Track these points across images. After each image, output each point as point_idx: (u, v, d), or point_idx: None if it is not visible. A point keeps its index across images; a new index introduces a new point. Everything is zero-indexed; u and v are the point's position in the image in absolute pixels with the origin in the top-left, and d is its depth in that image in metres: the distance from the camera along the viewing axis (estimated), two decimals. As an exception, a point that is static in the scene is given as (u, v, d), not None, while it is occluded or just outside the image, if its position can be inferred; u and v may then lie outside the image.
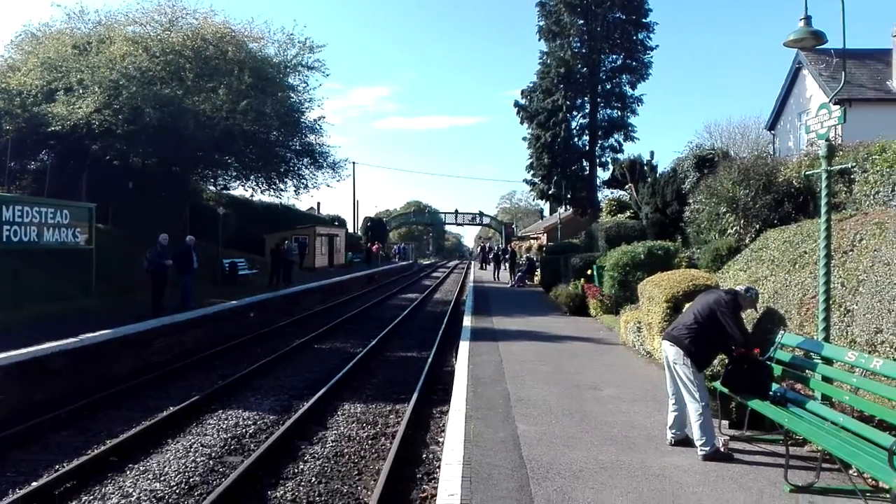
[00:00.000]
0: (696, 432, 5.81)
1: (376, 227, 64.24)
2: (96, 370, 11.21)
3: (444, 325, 17.83)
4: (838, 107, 6.62)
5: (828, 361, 5.74)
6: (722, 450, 5.77)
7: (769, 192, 13.71)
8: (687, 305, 6.35)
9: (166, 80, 21.19)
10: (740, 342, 5.90)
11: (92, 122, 19.98)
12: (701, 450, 5.74)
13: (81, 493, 6.44)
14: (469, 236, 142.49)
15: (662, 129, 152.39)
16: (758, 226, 13.37)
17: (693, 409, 5.82)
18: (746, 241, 13.22)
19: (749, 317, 8.91)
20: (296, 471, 7.17)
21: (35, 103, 20.99)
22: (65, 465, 7.10)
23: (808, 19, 7.17)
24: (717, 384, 6.16)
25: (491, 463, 5.67)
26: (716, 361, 6.40)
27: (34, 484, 6.50)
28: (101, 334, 11.72)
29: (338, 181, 33.25)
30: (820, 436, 4.88)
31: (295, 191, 29.67)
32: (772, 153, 22.72)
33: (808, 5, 7.15)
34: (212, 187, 32.50)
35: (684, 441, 6.10)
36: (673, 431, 6.19)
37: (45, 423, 8.56)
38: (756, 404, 5.71)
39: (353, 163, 55.17)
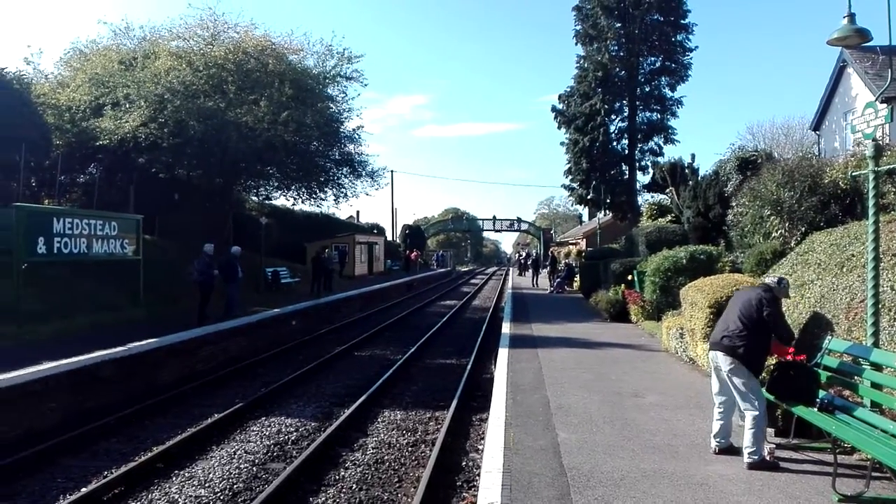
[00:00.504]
0: (746, 440, 5.66)
1: (415, 234, 64.59)
2: (144, 378, 11.51)
3: (482, 332, 17.82)
4: (885, 105, 6.45)
5: (877, 367, 5.58)
6: (768, 458, 5.65)
7: (815, 193, 13.38)
8: (727, 309, 6.19)
9: (209, 94, 21.70)
10: (790, 337, 5.96)
11: (138, 135, 20.56)
12: (749, 458, 5.61)
13: (129, 498, 6.62)
14: (507, 242, 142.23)
15: (703, 132, 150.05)
16: (803, 228, 13.05)
17: (750, 417, 5.67)
18: (792, 244, 12.91)
19: (796, 321, 8.75)
20: (337, 477, 7.25)
21: (83, 118, 21.70)
22: (113, 471, 7.29)
23: (851, 17, 7.00)
24: (763, 391, 6.02)
25: (531, 471, 5.65)
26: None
27: (83, 490, 6.69)
28: (148, 343, 12.04)
29: (376, 189, 33.54)
30: (869, 444, 4.75)
31: (335, 200, 30.05)
32: (817, 154, 22.14)
33: (851, 2, 6.98)
34: (254, 197, 33.11)
35: (729, 450, 5.99)
36: (718, 440, 6.07)
37: (94, 430, 8.81)
38: (802, 411, 5.59)
39: (392, 171, 55.90)
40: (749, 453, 5.63)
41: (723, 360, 5.92)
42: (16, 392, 8.77)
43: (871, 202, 6.15)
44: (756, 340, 5.81)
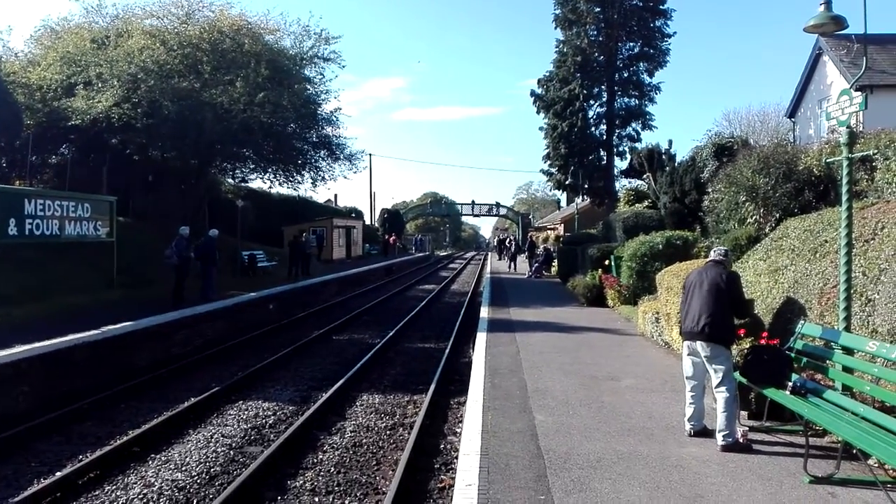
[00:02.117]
0: (720, 422, 5.77)
1: (393, 218, 64.37)
2: (119, 362, 11.38)
3: (461, 316, 17.86)
4: (860, 93, 6.51)
5: (848, 351, 5.69)
6: (741, 440, 5.75)
7: (789, 180, 13.53)
8: (691, 295, 6.23)
9: (184, 74, 21.34)
10: (746, 314, 6.43)
11: (111, 115, 20.17)
12: (723, 440, 5.71)
13: (105, 482, 6.56)
14: (486, 227, 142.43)
15: (681, 118, 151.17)
16: (778, 215, 13.21)
17: (722, 399, 5.79)
18: (766, 230, 13.07)
19: (770, 307, 8.87)
20: (315, 461, 7.25)
21: (55, 98, 21.23)
22: (88, 455, 7.23)
23: (828, 4, 7.04)
24: (737, 374, 6.11)
25: (508, 453, 5.69)
26: (735, 352, 6.36)
27: (58, 474, 6.62)
28: (123, 326, 11.89)
29: (354, 173, 33.37)
30: (840, 426, 4.85)
31: (312, 183, 29.77)
32: (792, 141, 22.40)
33: (828, -10, 7.02)
34: (230, 180, 32.72)
35: (703, 432, 6.08)
36: (692, 423, 6.17)
37: (68, 414, 8.72)
38: (775, 394, 5.69)
39: (370, 154, 55.49)
40: (723, 436, 5.73)
41: (703, 347, 5.99)
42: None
43: (844, 189, 6.23)
44: (729, 321, 6.04)
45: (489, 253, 66.06)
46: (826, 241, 8.79)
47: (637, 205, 27.80)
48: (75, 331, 10.98)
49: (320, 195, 52.74)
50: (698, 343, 6.03)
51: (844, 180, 6.24)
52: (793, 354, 6.04)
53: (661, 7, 37.03)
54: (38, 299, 13.65)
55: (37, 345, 9.83)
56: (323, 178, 29.41)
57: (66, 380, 10.07)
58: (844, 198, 6.21)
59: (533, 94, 39.90)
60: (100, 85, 20.47)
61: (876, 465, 4.99)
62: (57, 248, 15.81)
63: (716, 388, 5.90)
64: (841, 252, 6.15)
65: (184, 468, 6.91)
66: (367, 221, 58.28)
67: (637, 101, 38.76)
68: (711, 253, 6.61)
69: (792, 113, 26.89)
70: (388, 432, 8.32)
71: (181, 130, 21.44)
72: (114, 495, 6.23)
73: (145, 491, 6.30)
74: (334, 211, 48.25)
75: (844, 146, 6.24)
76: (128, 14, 23.77)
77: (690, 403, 6.19)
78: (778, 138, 22.50)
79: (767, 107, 56.84)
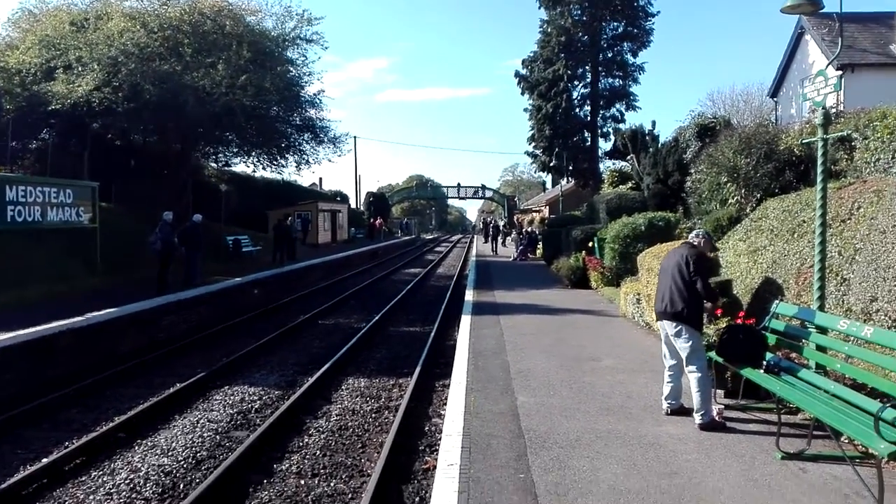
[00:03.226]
0: (695, 401, 5.89)
1: (378, 202, 64.17)
2: (103, 348, 11.37)
3: (446, 300, 17.95)
4: (838, 73, 6.60)
5: (822, 330, 5.82)
6: (717, 419, 5.89)
7: (770, 160, 13.66)
8: (661, 276, 6.37)
9: (165, 57, 21.05)
10: (714, 297, 6.32)
11: (92, 100, 19.90)
12: (699, 419, 5.84)
13: (91, 468, 6.60)
14: (472, 210, 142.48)
15: (665, 99, 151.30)
16: (759, 195, 13.35)
17: (694, 379, 5.89)
18: (748, 210, 13.20)
19: (749, 286, 9.01)
20: (301, 444, 7.33)
21: (35, 82, 20.89)
22: (74, 441, 7.25)
23: (805, -16, 7.09)
24: (713, 354, 6.23)
25: (490, 433, 5.79)
26: (711, 332, 6.48)
27: (44, 461, 6.65)
28: (108, 313, 11.86)
29: (339, 156, 33.14)
30: (811, 403, 4.97)
31: (296, 166, 29.59)
32: (774, 121, 22.55)
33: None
34: (213, 164, 32.46)
35: (680, 411, 6.21)
36: (669, 402, 6.29)
37: (53, 401, 8.72)
38: (749, 373, 5.81)
39: (355, 137, 55.23)
40: (700, 415, 5.85)
41: (669, 326, 6.14)
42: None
43: (819, 169, 6.34)
44: (692, 298, 6.00)
45: (475, 236, 66.14)
46: (804, 222, 8.92)
47: (621, 186, 27.92)
48: (59, 317, 10.94)
49: (305, 179, 52.74)
50: (665, 322, 6.16)
51: (819, 161, 6.35)
52: (768, 333, 6.15)
53: (644, -14, 36.95)
54: (20, 286, 13.55)
55: (20, 332, 9.80)
56: (307, 162, 29.27)
57: (50, 367, 10.07)
58: (819, 178, 6.32)
59: (517, 74, 39.80)
60: (80, 69, 20.16)
61: (846, 441, 5.13)
62: (38, 235, 15.67)
63: (686, 367, 6.03)
64: (816, 232, 6.27)
65: (170, 453, 6.96)
66: (353, 205, 58.13)
67: (621, 82, 38.78)
68: (690, 235, 6.70)
69: (774, 93, 27.05)
70: (373, 415, 8.40)
71: (163, 115, 21.23)
72: (100, 480, 6.27)
73: (132, 476, 6.35)
74: (319, 195, 48.05)
75: (820, 127, 6.34)
76: (108, -5, 23.37)
77: (668, 382, 6.31)
78: (760, 118, 22.67)
79: (751, 86, 57.23)
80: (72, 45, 20.62)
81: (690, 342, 5.99)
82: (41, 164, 23.17)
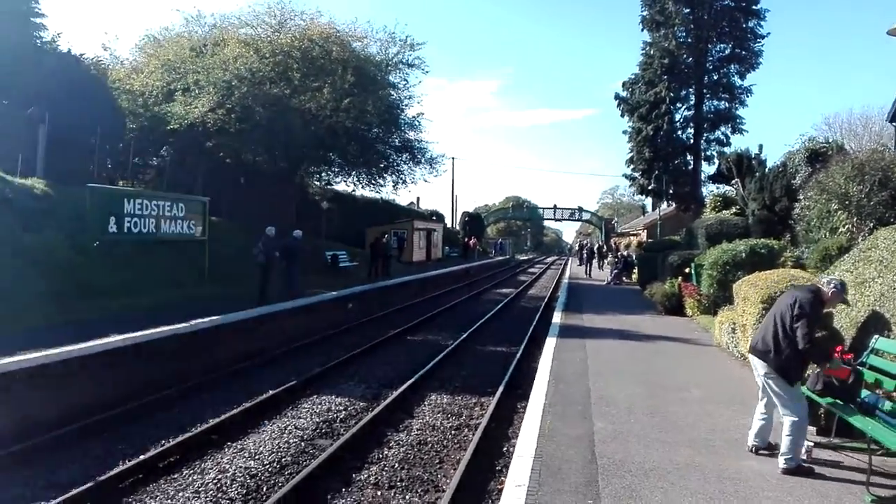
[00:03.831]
0: (783, 443, 5.53)
1: (474, 221, 64.66)
2: (206, 353, 12.06)
3: (535, 321, 17.84)
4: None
5: (926, 370, 5.43)
6: (805, 462, 5.54)
7: (886, 188, 12.85)
8: (771, 310, 5.96)
9: (275, 81, 22.33)
10: (806, 346, 5.32)
11: (207, 120, 21.36)
12: (784, 464, 5.48)
13: (183, 466, 7.06)
14: (569, 232, 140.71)
15: (773, 122, 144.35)
16: (872, 224, 12.57)
17: (788, 422, 5.47)
18: (859, 240, 12.45)
19: (854, 320, 8.48)
20: (380, 456, 7.52)
21: (156, 103, 22.68)
22: (170, 440, 7.76)
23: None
24: (804, 388, 5.92)
25: (562, 457, 5.75)
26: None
27: (142, 456, 7.15)
28: (211, 320, 12.58)
29: (435, 176, 34.03)
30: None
31: (393, 186, 30.51)
32: (892, 147, 21.09)
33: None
34: (316, 182, 33.89)
35: (766, 448, 5.91)
36: (756, 439, 5.99)
37: (156, 401, 9.35)
38: (842, 411, 5.48)
39: (452, 158, 56.11)
40: (785, 459, 5.49)
41: (759, 365, 5.76)
42: (78, 363, 9.37)
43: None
44: (789, 345, 5.44)
45: (570, 258, 65.26)
46: (917, 254, 8.33)
47: (724, 211, 26.84)
48: (166, 323, 11.70)
49: (403, 198, 53.83)
50: (754, 358, 5.84)
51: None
52: (865, 370, 5.79)
53: (753, 7, 35.66)
54: (134, 293, 14.64)
55: (130, 335, 10.55)
56: (404, 182, 30.13)
57: (156, 369, 10.77)
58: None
59: (617, 96, 39.30)
60: (196, 91, 21.73)
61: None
62: (152, 246, 16.86)
63: (780, 409, 5.64)
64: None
65: (257, 456, 7.32)
66: (448, 224, 58.87)
67: (727, 104, 37.48)
68: (823, 279, 5.95)
69: (894, 117, 25.29)
70: (453, 432, 8.49)
71: (271, 135, 22.45)
72: (190, 479, 6.70)
73: (219, 476, 6.73)
74: (416, 213, 49.02)
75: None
76: (224, 23, 25.16)
77: (758, 420, 5.99)
78: (879, 144, 21.29)
79: (871, 110, 53.71)
80: (190, 69, 22.27)
81: (780, 388, 5.53)
82: (159, 180, 24.99)
